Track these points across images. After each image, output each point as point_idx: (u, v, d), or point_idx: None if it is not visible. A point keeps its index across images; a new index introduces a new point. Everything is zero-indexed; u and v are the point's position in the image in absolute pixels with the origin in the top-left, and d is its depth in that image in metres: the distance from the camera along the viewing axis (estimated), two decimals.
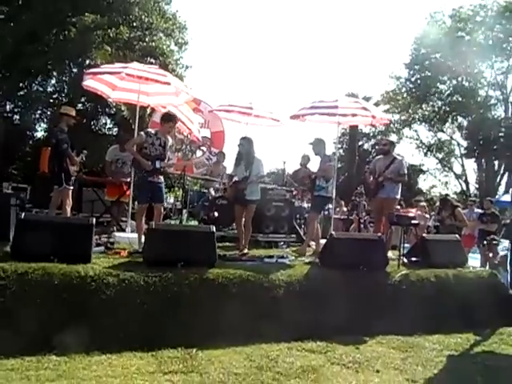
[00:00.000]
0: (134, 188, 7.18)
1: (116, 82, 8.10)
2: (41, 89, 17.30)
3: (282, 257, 6.45)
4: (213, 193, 9.24)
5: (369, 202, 9.58)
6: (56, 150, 6.72)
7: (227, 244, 7.30)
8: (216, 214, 8.48)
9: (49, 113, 17.65)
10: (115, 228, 7.75)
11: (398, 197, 7.44)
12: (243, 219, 6.77)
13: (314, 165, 8.01)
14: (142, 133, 6.38)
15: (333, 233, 6.39)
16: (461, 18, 24.45)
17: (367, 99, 24.43)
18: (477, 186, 27.24)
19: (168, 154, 6.45)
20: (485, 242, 9.51)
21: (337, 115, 7.75)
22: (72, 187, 6.85)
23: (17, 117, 18.31)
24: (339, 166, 18.96)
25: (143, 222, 6.18)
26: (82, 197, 8.93)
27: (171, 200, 11.11)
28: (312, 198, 7.44)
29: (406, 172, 7.43)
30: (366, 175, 7.79)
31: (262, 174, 6.80)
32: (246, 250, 6.62)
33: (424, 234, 7.61)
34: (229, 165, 10.22)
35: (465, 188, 27.53)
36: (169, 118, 6.50)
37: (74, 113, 7.04)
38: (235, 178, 6.83)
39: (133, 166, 6.63)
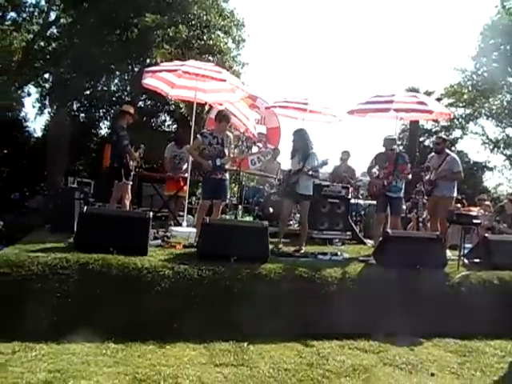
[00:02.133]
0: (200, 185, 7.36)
1: (174, 80, 8.31)
2: (105, 88, 18.01)
3: (336, 254, 6.38)
4: (268, 189, 9.27)
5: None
6: (117, 147, 6.99)
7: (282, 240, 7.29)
8: (271, 209, 8.51)
9: (112, 111, 18.34)
10: (172, 222, 7.96)
11: (454, 195, 7.25)
12: (294, 215, 6.73)
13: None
14: (199, 136, 6.56)
15: (388, 231, 6.23)
16: None
17: (429, 94, 23.55)
18: None
19: (228, 149, 6.53)
20: None
21: (391, 109, 7.58)
22: (131, 182, 7.11)
23: (82, 115, 19.21)
24: None
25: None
26: (141, 192, 9.26)
27: (228, 195, 11.19)
28: (384, 198, 6.97)
29: (460, 169, 7.21)
30: (421, 174, 7.56)
31: (316, 168, 6.61)
32: (303, 249, 6.58)
33: (487, 234, 7.26)
34: (283, 161, 10.23)
35: None
36: (222, 118, 6.56)
37: (132, 110, 7.29)
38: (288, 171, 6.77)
39: (196, 168, 6.87)
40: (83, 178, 11.99)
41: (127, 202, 7.01)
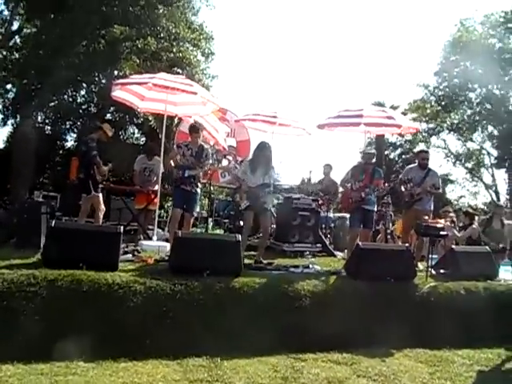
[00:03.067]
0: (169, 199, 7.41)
1: (144, 93, 8.25)
2: (71, 100, 17.68)
3: (308, 267, 6.41)
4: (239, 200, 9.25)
5: (400, 213, 9.43)
6: (84, 158, 6.87)
7: (252, 253, 7.29)
8: (241, 222, 8.49)
9: (79, 123, 18.02)
10: (142, 236, 7.85)
11: (432, 209, 7.45)
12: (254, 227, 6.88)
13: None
14: (174, 147, 6.78)
15: (359, 243, 6.32)
16: (492, 24, 24.01)
17: (394, 108, 24.18)
18: (508, 196, 26.52)
19: (203, 162, 6.64)
20: None
21: (361, 124, 7.73)
22: (101, 194, 6.99)
23: (48, 127, 18.75)
24: None
25: (176, 229, 6.24)
26: (110, 205, 9.09)
27: (197, 209, 11.17)
28: (360, 211, 6.98)
29: (440, 185, 7.44)
30: (396, 185, 7.66)
31: (278, 182, 6.88)
32: (261, 259, 6.61)
33: (453, 246, 7.45)
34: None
35: (495, 198, 26.83)
36: (191, 129, 6.80)
37: (110, 134, 7.22)
38: (249, 184, 6.65)
39: (165, 180, 6.93)
40: (48, 191, 11.66)
41: (101, 215, 6.89)
